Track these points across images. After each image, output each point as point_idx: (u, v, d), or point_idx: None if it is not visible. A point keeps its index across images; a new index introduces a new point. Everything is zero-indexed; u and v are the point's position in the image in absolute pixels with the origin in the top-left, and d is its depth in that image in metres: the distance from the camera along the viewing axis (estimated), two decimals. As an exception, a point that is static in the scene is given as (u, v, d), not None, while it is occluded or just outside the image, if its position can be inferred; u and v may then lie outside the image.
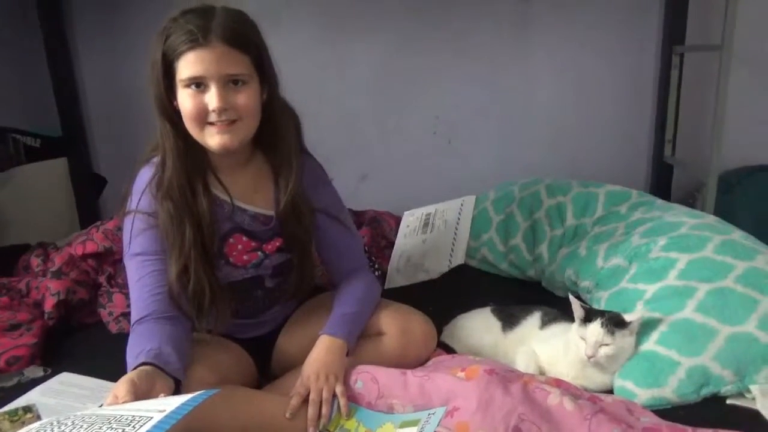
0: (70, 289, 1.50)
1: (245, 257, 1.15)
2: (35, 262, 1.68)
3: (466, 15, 2.16)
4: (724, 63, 1.72)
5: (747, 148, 2.10)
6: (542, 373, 1.16)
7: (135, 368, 0.92)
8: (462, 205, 1.87)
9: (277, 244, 1.17)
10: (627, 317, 1.10)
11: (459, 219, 1.82)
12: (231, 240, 1.14)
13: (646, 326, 1.13)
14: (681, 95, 2.08)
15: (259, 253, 1.16)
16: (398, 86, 2.27)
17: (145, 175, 1.09)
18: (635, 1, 2.10)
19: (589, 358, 1.08)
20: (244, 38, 1.02)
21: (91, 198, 2.39)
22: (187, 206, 1.06)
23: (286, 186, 1.12)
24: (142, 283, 1.06)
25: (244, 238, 1.15)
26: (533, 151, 2.25)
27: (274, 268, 1.19)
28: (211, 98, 1.00)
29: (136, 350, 0.97)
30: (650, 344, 1.11)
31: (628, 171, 2.21)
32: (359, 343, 1.16)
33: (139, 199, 1.08)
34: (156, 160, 1.10)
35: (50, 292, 1.48)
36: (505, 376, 1.01)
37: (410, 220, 1.94)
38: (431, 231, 1.85)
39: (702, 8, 2.03)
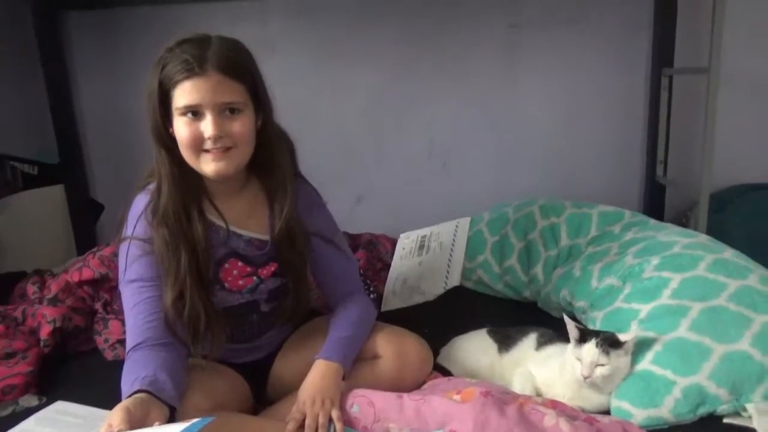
0: (66, 316, 1.49)
1: (240, 282, 1.16)
2: (31, 289, 1.68)
3: (458, 40, 2.20)
4: (712, 84, 1.75)
5: (738, 167, 2.12)
6: (539, 394, 1.16)
7: (130, 396, 0.92)
8: (457, 227, 1.89)
9: (272, 268, 1.17)
10: (621, 337, 1.10)
11: (454, 241, 1.83)
12: (226, 265, 1.14)
13: (641, 346, 1.14)
14: (672, 116, 2.11)
15: (255, 277, 1.17)
16: (392, 110, 2.30)
17: (141, 202, 1.10)
18: (624, 26, 2.14)
19: (585, 378, 1.08)
20: (239, 67, 1.04)
21: (88, 224, 2.39)
22: (183, 232, 1.07)
23: (281, 211, 1.13)
24: (137, 309, 1.06)
25: (240, 263, 1.15)
26: (527, 173, 2.27)
27: (270, 292, 1.19)
28: (207, 126, 1.02)
29: (130, 378, 0.96)
30: (645, 364, 1.11)
31: (621, 191, 2.23)
32: (355, 366, 1.16)
33: (135, 226, 1.09)
34: (151, 186, 1.11)
35: (46, 319, 1.48)
36: (500, 398, 1.01)
37: (406, 242, 1.95)
38: (427, 253, 1.85)
39: (689, 32, 2.07)
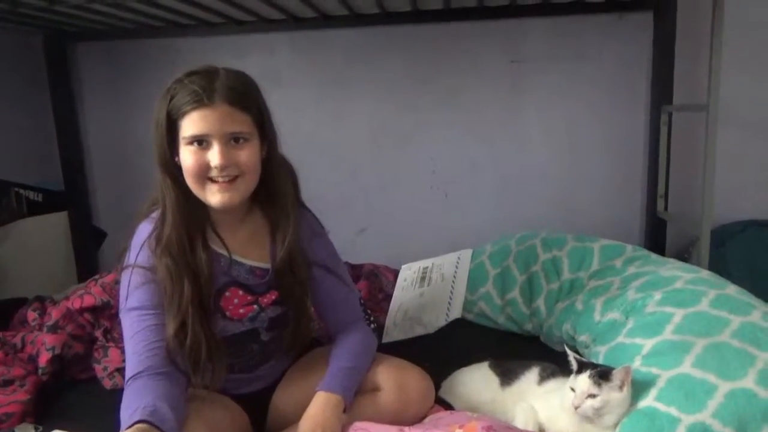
0: (66, 344, 1.49)
1: (241, 311, 1.16)
2: (32, 315, 1.67)
3: (461, 75, 2.24)
4: (711, 121, 1.78)
5: (738, 202, 2.14)
6: (542, 429, 1.14)
7: (131, 426, 0.91)
8: (459, 258, 1.89)
9: (273, 296, 1.17)
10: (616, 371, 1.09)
11: (456, 273, 1.83)
12: (227, 293, 1.14)
13: (645, 382, 1.13)
14: (672, 152, 2.13)
15: (255, 306, 1.16)
16: (395, 142, 2.32)
17: (144, 230, 1.10)
18: (623, 63, 2.18)
19: (576, 408, 1.07)
20: (245, 98, 1.06)
21: (90, 251, 2.40)
22: (186, 262, 1.07)
23: (283, 239, 1.14)
24: (137, 338, 1.06)
25: (240, 292, 1.15)
26: (528, 206, 2.29)
27: (270, 320, 1.19)
28: (213, 155, 1.03)
29: (131, 407, 0.95)
30: (650, 400, 1.10)
31: (622, 225, 2.24)
32: (355, 398, 1.15)
33: (138, 254, 1.09)
34: (155, 215, 1.11)
35: (46, 346, 1.47)
36: (503, 433, 1.00)
37: (407, 273, 1.95)
38: (428, 285, 1.85)
39: (688, 69, 2.11)
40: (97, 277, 1.72)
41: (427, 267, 1.93)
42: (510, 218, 2.27)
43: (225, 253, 1.13)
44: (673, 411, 1.06)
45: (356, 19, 2.17)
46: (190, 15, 2.01)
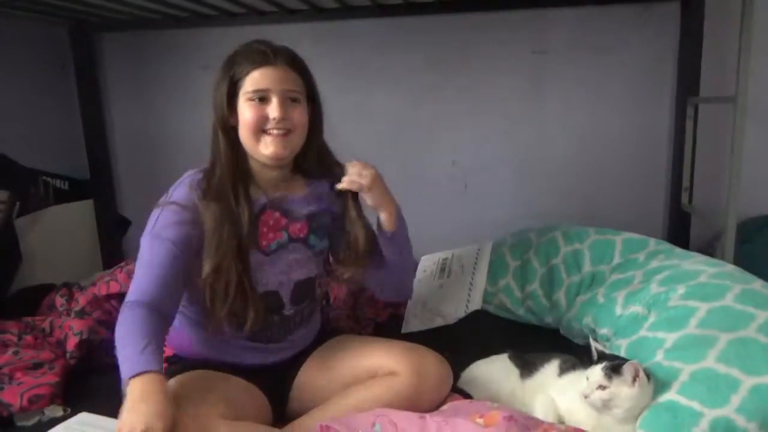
0: (92, 329, 1.52)
1: (270, 235, 1.20)
2: (60, 301, 1.71)
3: (482, 65, 2.23)
4: (738, 114, 1.74)
5: (766, 197, 2.10)
6: (561, 422, 1.14)
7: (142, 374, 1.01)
8: (479, 250, 1.88)
9: (305, 230, 1.24)
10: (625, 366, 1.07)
11: (476, 264, 1.83)
12: (263, 217, 1.20)
13: (667, 375, 1.12)
14: (697, 144, 2.10)
15: (285, 233, 1.21)
16: (416, 132, 2.32)
17: (191, 176, 1.17)
18: (649, 53, 2.14)
19: (585, 397, 1.08)
20: (303, 66, 1.20)
21: (115, 239, 2.44)
22: (230, 210, 1.13)
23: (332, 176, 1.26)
24: (160, 267, 1.09)
25: (277, 214, 1.21)
26: (549, 198, 2.27)
27: (294, 287, 1.23)
28: (273, 109, 1.14)
29: (138, 345, 1.03)
30: (672, 394, 1.09)
31: (645, 218, 2.21)
32: (370, 383, 1.17)
33: (178, 192, 1.15)
34: (200, 170, 1.18)
35: (73, 331, 1.51)
36: (525, 423, 1.00)
37: (427, 264, 1.95)
38: (448, 276, 1.85)
39: (715, 60, 2.07)
40: (122, 264, 1.75)
41: (446, 258, 1.93)
42: (531, 210, 2.25)
43: (264, 197, 1.20)
44: (696, 405, 1.05)
45: (378, 10, 2.17)
46: (213, 5, 2.02)
